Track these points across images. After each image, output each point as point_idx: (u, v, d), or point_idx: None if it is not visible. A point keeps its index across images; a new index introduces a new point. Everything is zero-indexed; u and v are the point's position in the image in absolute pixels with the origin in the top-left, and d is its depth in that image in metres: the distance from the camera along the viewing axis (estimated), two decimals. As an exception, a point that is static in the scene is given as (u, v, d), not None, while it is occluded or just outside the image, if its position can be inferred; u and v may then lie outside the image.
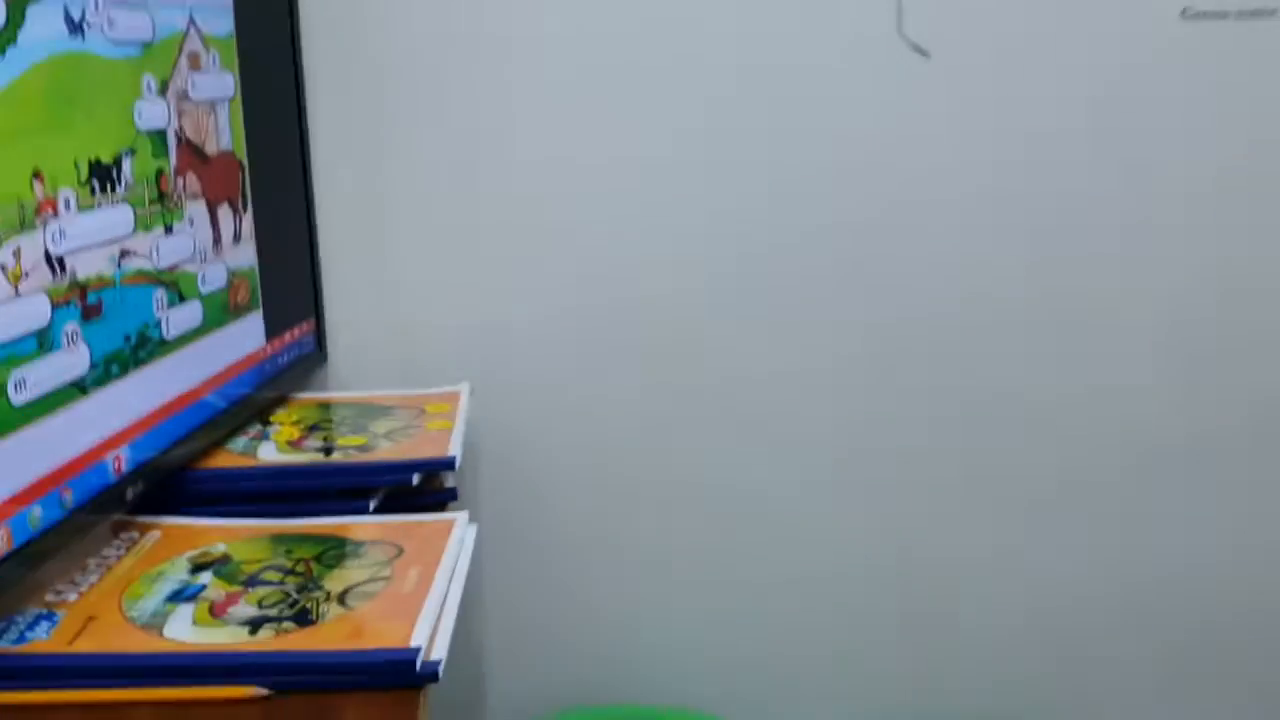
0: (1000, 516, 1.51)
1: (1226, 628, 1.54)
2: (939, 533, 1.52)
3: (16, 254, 0.86)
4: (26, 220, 0.87)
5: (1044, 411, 1.48)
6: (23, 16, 0.86)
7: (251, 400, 1.25)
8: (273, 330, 1.30)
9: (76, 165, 0.93)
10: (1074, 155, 1.42)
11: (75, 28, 0.93)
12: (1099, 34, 1.39)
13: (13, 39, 0.85)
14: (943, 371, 1.48)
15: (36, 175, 0.88)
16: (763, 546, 1.52)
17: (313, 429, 1.26)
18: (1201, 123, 1.42)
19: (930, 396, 1.48)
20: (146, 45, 1.04)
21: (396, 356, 1.46)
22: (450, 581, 0.96)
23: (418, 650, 0.84)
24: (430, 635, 0.87)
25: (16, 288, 0.86)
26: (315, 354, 1.42)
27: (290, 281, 1.36)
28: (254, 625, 0.89)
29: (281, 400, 1.35)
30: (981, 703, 1.54)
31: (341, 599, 0.93)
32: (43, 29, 0.89)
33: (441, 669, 0.84)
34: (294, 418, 1.30)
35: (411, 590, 0.94)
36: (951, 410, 1.49)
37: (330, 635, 0.87)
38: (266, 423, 1.28)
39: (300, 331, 1.38)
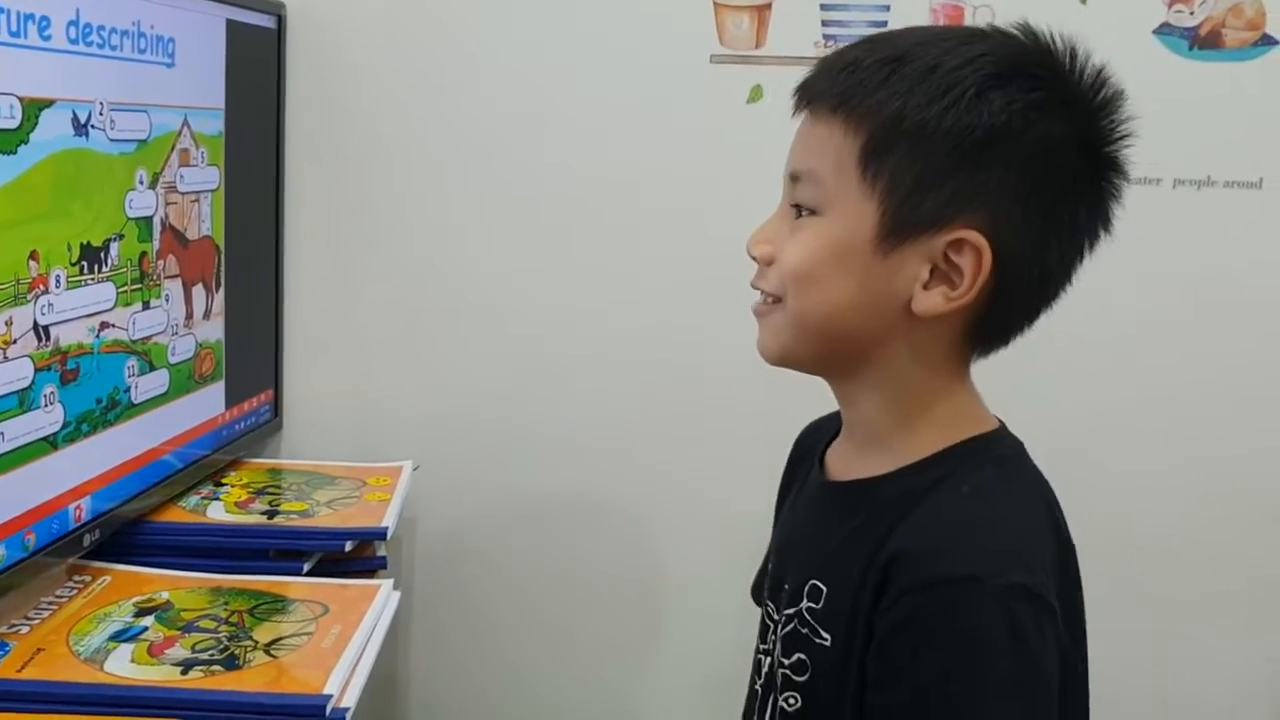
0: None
1: None
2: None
3: (9, 323, 0.98)
4: (20, 294, 0.99)
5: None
6: (36, 120, 1.00)
7: (207, 462, 1.37)
8: (232, 399, 1.42)
9: (69, 247, 1.06)
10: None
11: (81, 128, 1.06)
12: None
13: (25, 139, 0.98)
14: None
15: (33, 255, 1.01)
16: (684, 632, 1.62)
17: (260, 492, 1.38)
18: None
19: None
20: (142, 143, 1.18)
21: (347, 430, 1.58)
22: (368, 641, 1.07)
23: (329, 697, 0.95)
24: (342, 686, 0.98)
25: (4, 352, 0.98)
26: (271, 422, 1.54)
27: (254, 355, 1.48)
28: (186, 666, 1.00)
29: (236, 463, 1.46)
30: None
31: (268, 649, 1.04)
32: (52, 130, 1.02)
33: (349, 716, 0.95)
34: (244, 480, 1.41)
35: (331, 646, 1.05)
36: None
37: (253, 679, 0.98)
38: (219, 483, 1.39)
39: (259, 401, 1.50)
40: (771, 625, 0.88)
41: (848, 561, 0.80)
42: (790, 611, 0.84)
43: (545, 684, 1.63)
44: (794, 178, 0.82)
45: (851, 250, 0.79)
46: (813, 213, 0.80)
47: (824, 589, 0.81)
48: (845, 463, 0.87)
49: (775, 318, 0.83)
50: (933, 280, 0.78)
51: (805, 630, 0.82)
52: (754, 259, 0.84)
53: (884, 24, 1.53)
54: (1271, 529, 1.53)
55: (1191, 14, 1.47)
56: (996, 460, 0.83)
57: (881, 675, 0.76)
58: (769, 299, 0.84)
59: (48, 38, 1.00)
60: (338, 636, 1.06)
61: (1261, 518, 1.53)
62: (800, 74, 0.82)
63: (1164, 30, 1.47)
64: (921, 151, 0.77)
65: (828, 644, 0.80)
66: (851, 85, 0.78)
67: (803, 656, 0.82)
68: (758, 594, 0.98)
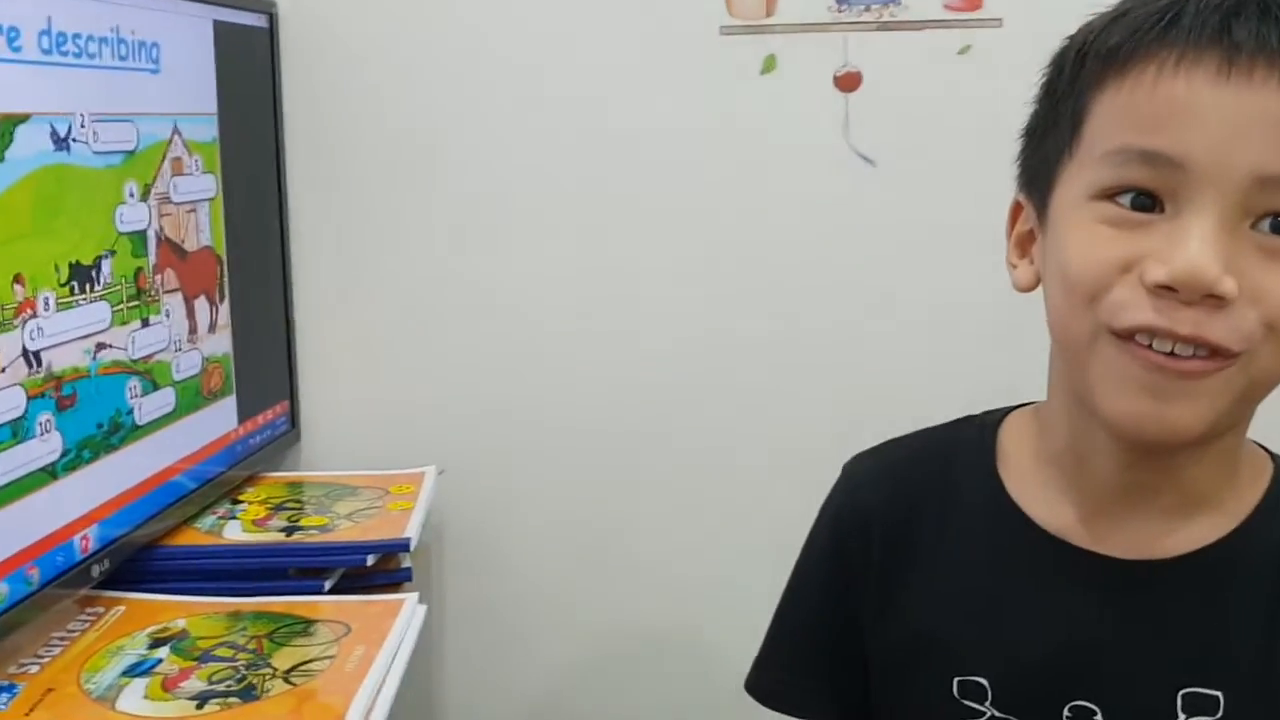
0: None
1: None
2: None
3: (-5, 351, 0.94)
4: (5, 320, 0.95)
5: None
6: (11, 137, 0.95)
7: (222, 479, 1.32)
8: (245, 413, 1.37)
9: (56, 267, 1.01)
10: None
11: (61, 143, 1.01)
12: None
13: (0, 157, 0.94)
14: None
15: (17, 278, 0.96)
16: (724, 633, 1.56)
17: (279, 508, 1.33)
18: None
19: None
20: (130, 154, 1.13)
21: (368, 437, 1.52)
22: (392, 661, 1.02)
23: (349, 727, 0.90)
24: (365, 711, 0.94)
25: (-7, 382, 0.94)
26: (289, 434, 1.49)
27: (265, 366, 1.43)
28: (201, 700, 0.95)
29: (254, 479, 1.41)
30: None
31: (287, 676, 0.99)
32: (29, 146, 0.97)
33: (373, 746, 0.91)
34: (262, 496, 1.37)
35: (353, 669, 1.00)
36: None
37: (271, 711, 0.94)
38: (236, 501, 1.35)
39: (274, 413, 1.45)
40: None
41: (1261, 654, 0.70)
42: None
43: (587, 695, 1.57)
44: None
45: None
46: None
47: (1220, 695, 0.70)
48: (1134, 535, 0.73)
49: (1226, 379, 0.65)
50: None
51: None
52: (1215, 295, 0.63)
53: (900, -16, 1.46)
54: None
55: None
56: None
57: None
58: (1209, 352, 0.64)
59: (18, 49, 0.95)
60: (361, 658, 1.01)
61: None
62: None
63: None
64: None
65: None
66: None
67: None
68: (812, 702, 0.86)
